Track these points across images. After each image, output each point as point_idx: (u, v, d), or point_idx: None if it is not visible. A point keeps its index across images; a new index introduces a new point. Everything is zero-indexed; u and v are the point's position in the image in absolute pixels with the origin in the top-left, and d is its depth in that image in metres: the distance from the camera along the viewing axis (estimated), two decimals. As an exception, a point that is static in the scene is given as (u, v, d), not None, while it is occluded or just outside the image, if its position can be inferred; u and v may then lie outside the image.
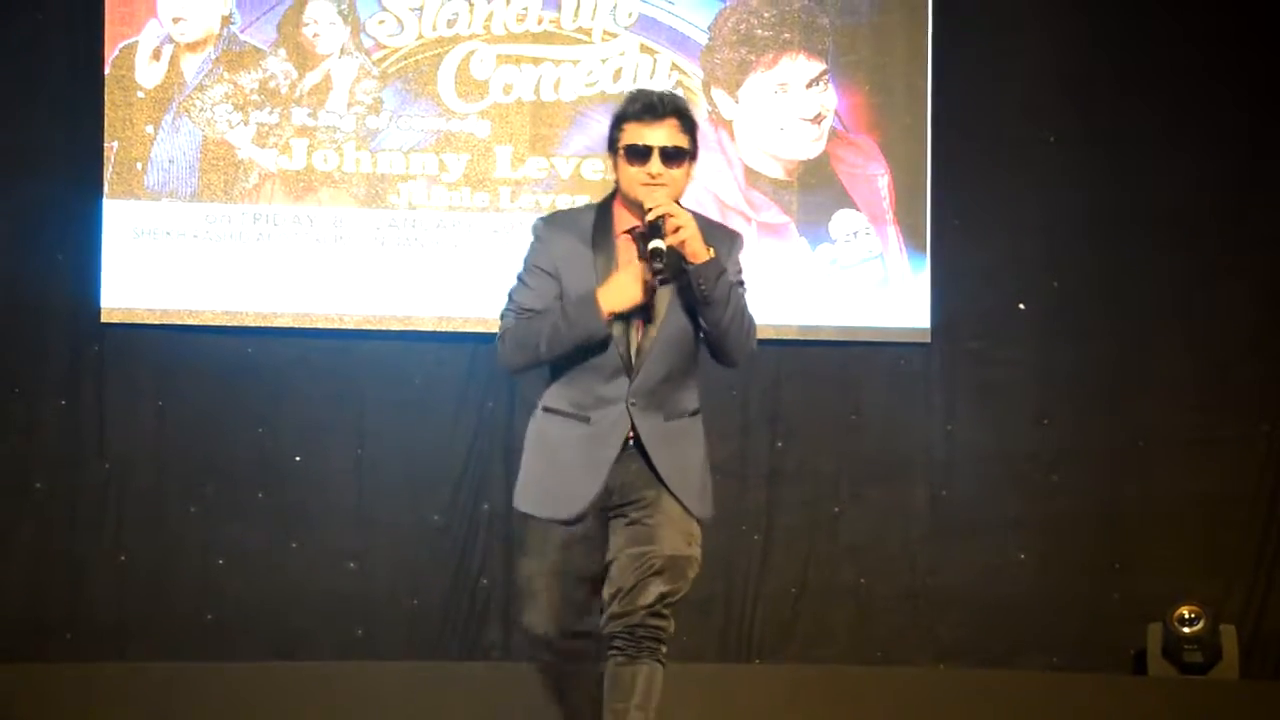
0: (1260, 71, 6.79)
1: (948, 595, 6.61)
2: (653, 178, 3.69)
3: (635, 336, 3.78)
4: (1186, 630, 6.32)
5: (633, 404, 3.77)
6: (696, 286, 3.69)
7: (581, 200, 6.49)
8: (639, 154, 3.70)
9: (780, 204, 6.60)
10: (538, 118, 6.53)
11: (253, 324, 6.41)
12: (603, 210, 3.85)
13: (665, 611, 3.76)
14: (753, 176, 6.59)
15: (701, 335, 3.82)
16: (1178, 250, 6.74)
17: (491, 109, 6.52)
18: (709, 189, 6.50)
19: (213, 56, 6.40)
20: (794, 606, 6.58)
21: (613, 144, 3.79)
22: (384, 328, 6.46)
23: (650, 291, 3.72)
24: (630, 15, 6.56)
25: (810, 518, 6.62)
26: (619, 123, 3.79)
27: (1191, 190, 6.76)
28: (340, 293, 6.42)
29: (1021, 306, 6.75)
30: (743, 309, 3.78)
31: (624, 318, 3.76)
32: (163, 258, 6.34)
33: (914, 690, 6.21)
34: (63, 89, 6.39)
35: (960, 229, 6.69)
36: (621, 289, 3.70)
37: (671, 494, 3.78)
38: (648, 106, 3.74)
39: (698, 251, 3.67)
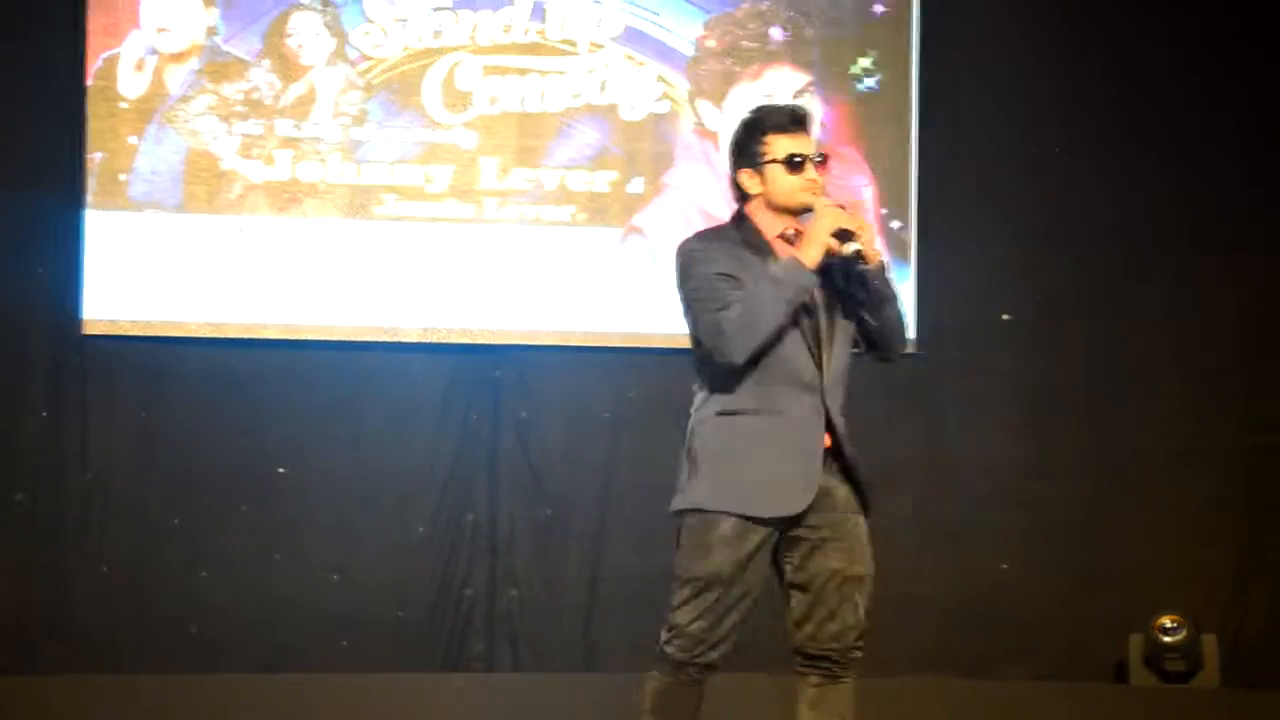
0: (1243, 80, 6.82)
1: (931, 604, 6.61)
2: (813, 183, 3.78)
3: (818, 331, 3.75)
4: (1168, 639, 6.36)
5: (826, 396, 3.73)
6: (874, 286, 3.75)
7: (566, 212, 6.51)
8: (798, 163, 3.76)
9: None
10: (523, 129, 6.52)
11: (236, 335, 6.38)
12: (739, 226, 3.84)
13: (862, 643, 3.82)
14: (738, 188, 6.59)
15: (863, 337, 3.84)
16: (1162, 260, 6.78)
17: (477, 120, 6.50)
18: (694, 201, 6.51)
19: (196, 67, 6.37)
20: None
21: (754, 156, 3.78)
22: (368, 339, 6.45)
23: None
24: (616, 27, 6.57)
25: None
26: (759, 135, 3.79)
27: (1176, 200, 6.79)
28: (324, 304, 6.41)
29: (1006, 317, 6.78)
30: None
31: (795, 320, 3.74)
32: (146, 269, 6.31)
33: (896, 700, 6.21)
34: (44, 100, 6.34)
35: (945, 240, 6.70)
36: (809, 241, 3.69)
37: (860, 506, 3.79)
38: (795, 118, 3.81)
39: (875, 254, 3.74)
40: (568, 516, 6.55)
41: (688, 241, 3.85)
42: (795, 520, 3.73)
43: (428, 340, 6.48)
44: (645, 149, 6.54)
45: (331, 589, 6.41)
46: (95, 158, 6.28)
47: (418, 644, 6.44)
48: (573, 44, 6.56)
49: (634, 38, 6.58)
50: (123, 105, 6.32)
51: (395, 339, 6.46)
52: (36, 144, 6.34)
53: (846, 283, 3.78)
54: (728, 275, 3.71)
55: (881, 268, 3.78)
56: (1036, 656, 6.60)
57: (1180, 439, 6.71)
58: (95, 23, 6.30)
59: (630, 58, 6.57)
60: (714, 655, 3.76)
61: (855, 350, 3.86)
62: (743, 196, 3.83)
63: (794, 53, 6.64)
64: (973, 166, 6.77)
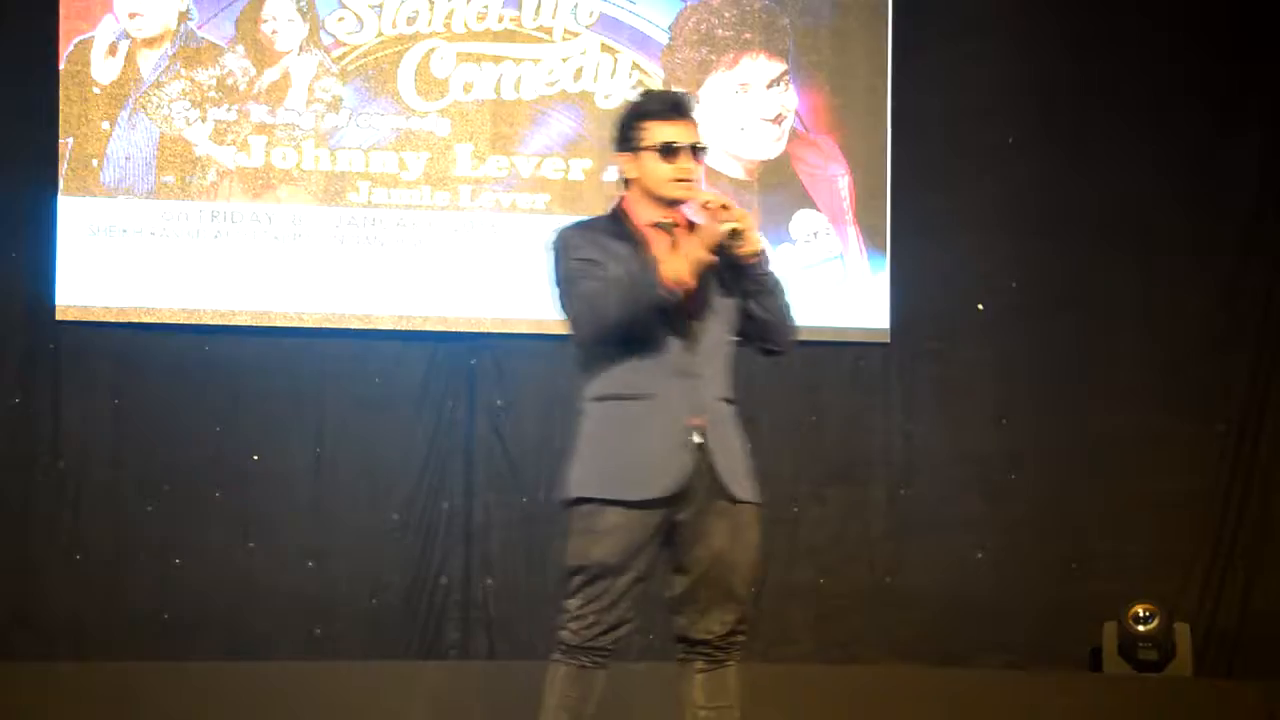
0: (1219, 72, 6.84)
1: (906, 594, 6.63)
2: (685, 174, 3.75)
3: (691, 314, 3.73)
4: (1141, 628, 6.38)
5: (698, 379, 3.72)
6: (755, 275, 3.74)
7: (541, 199, 6.50)
8: (672, 151, 3.74)
9: (741, 204, 6.55)
10: (498, 116, 6.51)
11: (210, 322, 6.36)
12: (615, 216, 3.84)
13: (743, 628, 3.81)
14: (713, 177, 6.57)
15: (747, 330, 3.83)
16: (1136, 251, 6.80)
17: (451, 107, 6.49)
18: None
19: (170, 53, 6.35)
20: (754, 606, 6.55)
21: (632, 141, 3.77)
22: (343, 326, 6.43)
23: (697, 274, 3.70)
24: (591, 14, 6.56)
25: (770, 518, 6.47)
26: (638, 120, 3.77)
27: (1151, 191, 6.82)
28: (299, 291, 6.39)
29: (980, 307, 6.79)
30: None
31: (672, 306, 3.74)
32: (119, 255, 6.28)
33: (873, 689, 6.23)
34: (16, 85, 6.31)
35: (919, 229, 6.71)
36: (680, 255, 3.66)
37: (731, 495, 3.73)
38: (674, 105, 3.78)
39: (755, 241, 3.70)
40: (543, 504, 6.53)
41: (558, 230, 3.85)
42: (678, 504, 3.69)
43: (403, 328, 6.47)
44: (620, 137, 6.51)
45: (305, 576, 6.39)
46: (67, 143, 6.25)
47: (392, 632, 6.43)
48: (548, 31, 6.54)
49: (609, 25, 6.57)
50: (95, 90, 6.29)
51: (370, 326, 6.45)
52: (8, 130, 6.30)
53: (730, 270, 3.73)
54: (588, 260, 3.71)
55: (760, 257, 3.71)
56: (1011, 645, 6.62)
57: (1154, 428, 6.72)
58: (68, 7, 6.28)
59: (605, 46, 6.56)
60: (606, 640, 3.71)
61: (737, 340, 3.83)
62: (625, 182, 3.83)
63: (769, 41, 6.64)
64: (948, 157, 6.78)
